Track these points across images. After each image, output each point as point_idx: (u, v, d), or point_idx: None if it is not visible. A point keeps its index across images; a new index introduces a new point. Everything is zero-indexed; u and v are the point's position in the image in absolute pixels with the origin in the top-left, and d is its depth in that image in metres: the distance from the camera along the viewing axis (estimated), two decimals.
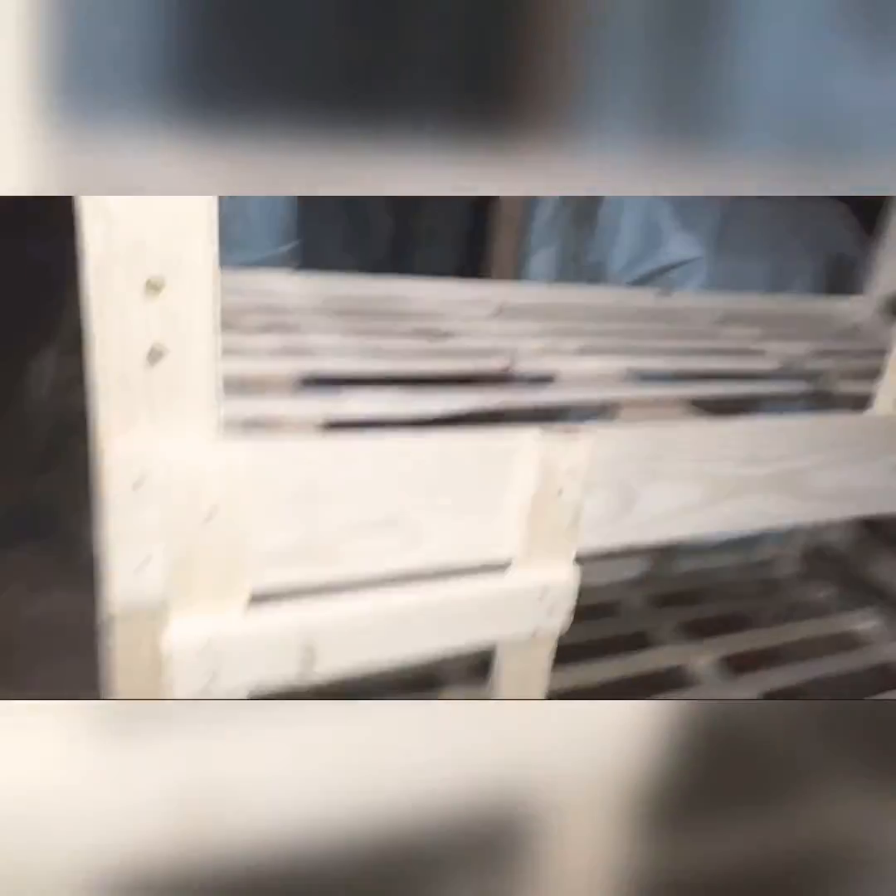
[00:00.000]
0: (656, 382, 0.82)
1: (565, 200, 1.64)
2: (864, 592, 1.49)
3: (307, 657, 0.53)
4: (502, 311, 1.05)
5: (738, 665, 1.26)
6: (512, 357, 0.83)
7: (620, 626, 1.31)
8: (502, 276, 1.67)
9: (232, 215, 1.70)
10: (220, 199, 0.42)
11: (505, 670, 0.62)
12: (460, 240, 1.89)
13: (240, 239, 1.70)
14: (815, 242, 1.80)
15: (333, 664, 0.54)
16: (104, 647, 0.49)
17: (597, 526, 0.60)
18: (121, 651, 0.49)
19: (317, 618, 0.53)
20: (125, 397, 0.43)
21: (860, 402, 0.80)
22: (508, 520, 0.57)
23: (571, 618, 0.62)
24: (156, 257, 0.41)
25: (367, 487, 0.51)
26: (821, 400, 0.90)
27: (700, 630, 1.33)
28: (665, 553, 1.48)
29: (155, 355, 0.43)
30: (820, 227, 1.86)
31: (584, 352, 0.90)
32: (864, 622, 1.42)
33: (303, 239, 1.74)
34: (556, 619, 0.61)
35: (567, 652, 0.70)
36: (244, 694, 0.52)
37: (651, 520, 0.63)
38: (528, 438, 0.56)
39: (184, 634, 0.48)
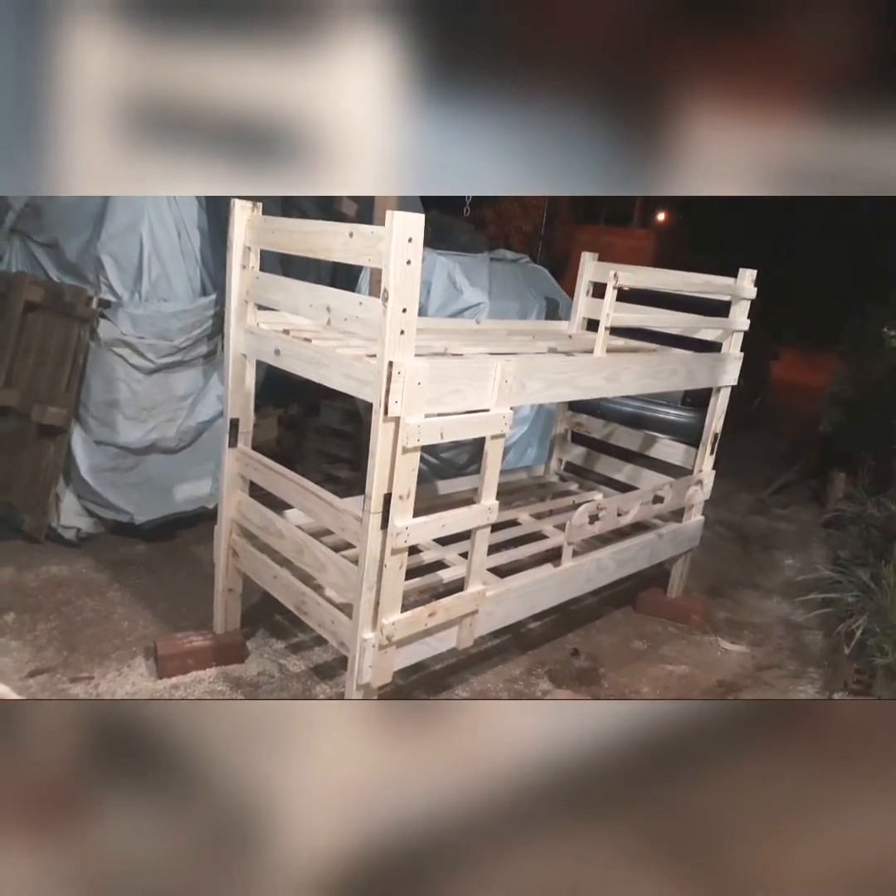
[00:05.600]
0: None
1: None
2: (592, 482, 2.71)
3: None
4: (425, 332, 2.03)
5: (539, 515, 2.36)
6: (445, 347, 1.82)
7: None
8: None
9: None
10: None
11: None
12: None
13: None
14: (538, 291, 3.03)
15: None
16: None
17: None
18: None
19: None
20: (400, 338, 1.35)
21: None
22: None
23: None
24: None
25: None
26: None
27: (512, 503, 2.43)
28: None
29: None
30: (538, 282, 3.11)
31: (466, 344, 1.92)
32: (594, 495, 2.62)
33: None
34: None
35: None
36: None
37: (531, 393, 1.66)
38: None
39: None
